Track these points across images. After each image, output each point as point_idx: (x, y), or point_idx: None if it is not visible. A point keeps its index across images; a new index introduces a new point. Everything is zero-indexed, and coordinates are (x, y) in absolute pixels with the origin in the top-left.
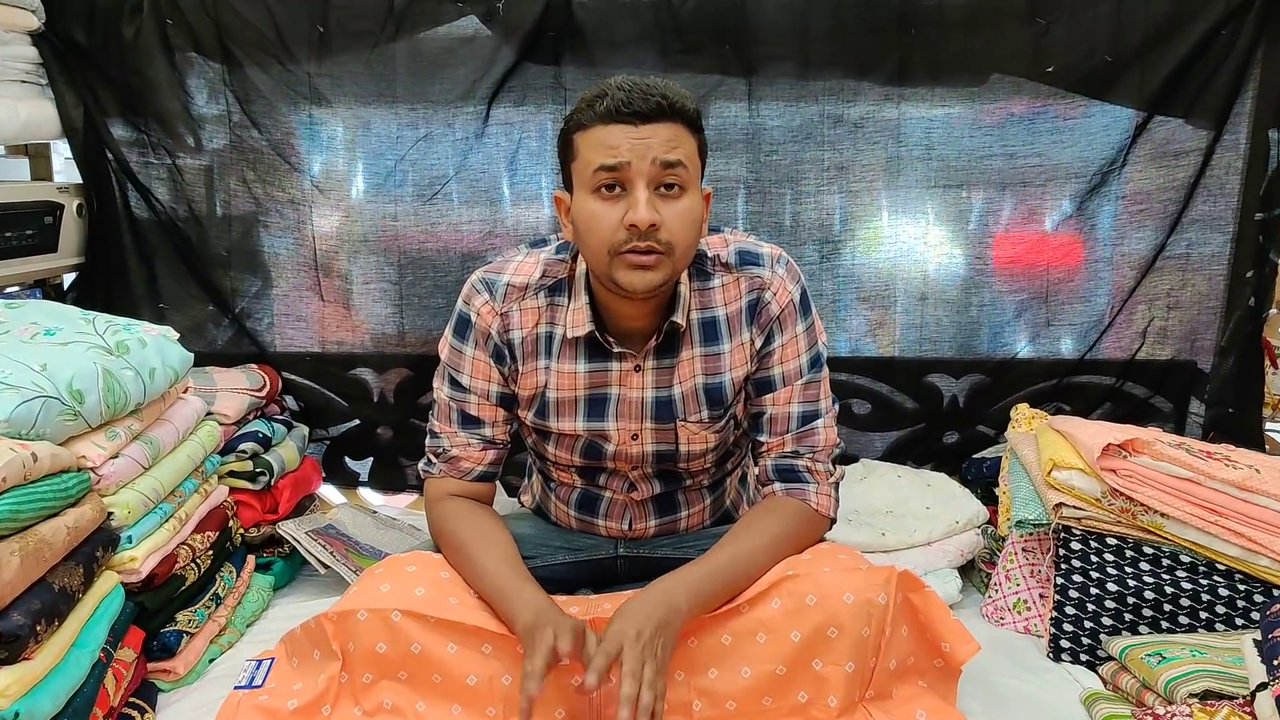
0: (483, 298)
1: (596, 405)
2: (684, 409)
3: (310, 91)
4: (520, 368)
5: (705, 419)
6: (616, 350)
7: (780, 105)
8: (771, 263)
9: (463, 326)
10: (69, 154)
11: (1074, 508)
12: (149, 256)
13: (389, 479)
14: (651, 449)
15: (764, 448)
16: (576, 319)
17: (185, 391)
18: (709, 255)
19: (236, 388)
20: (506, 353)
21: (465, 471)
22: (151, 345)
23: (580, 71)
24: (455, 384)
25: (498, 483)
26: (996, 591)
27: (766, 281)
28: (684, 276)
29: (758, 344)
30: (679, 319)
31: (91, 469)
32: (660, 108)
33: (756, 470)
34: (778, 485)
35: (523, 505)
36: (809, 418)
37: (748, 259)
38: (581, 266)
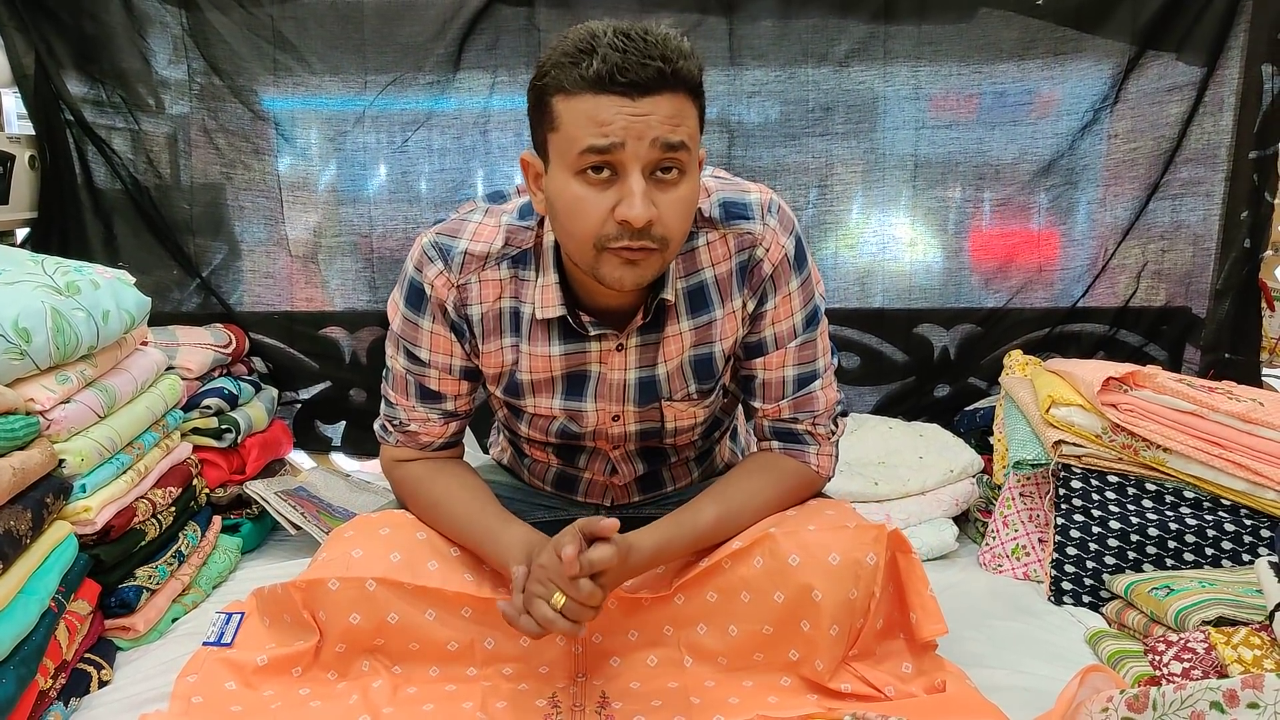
0: (436, 267)
1: (574, 384)
2: (669, 388)
3: (274, 36)
4: (481, 345)
5: (693, 394)
6: (595, 333)
7: (762, 45)
8: (762, 213)
9: (416, 298)
10: (23, 110)
11: (1074, 445)
12: (107, 214)
13: (363, 443)
14: (635, 428)
15: (759, 413)
16: (545, 298)
17: (144, 344)
18: None
19: (200, 343)
20: (465, 328)
21: (425, 444)
22: (105, 287)
23: (555, 13)
24: (412, 357)
25: (469, 433)
26: (994, 538)
27: (758, 236)
28: None
29: (750, 307)
30: (668, 295)
31: (40, 413)
32: (661, 76)
33: (753, 429)
34: (776, 444)
35: (493, 457)
36: (805, 380)
37: (735, 212)
38: (550, 237)
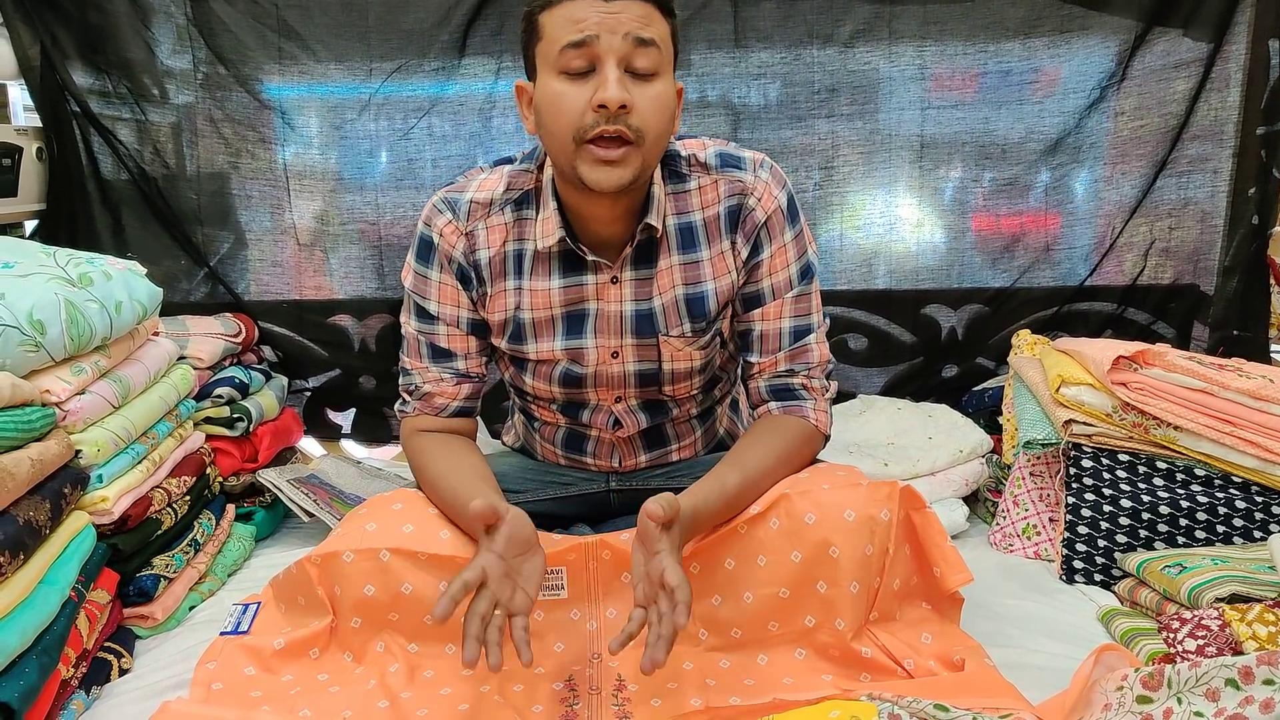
0: (445, 217)
1: (574, 322)
2: (665, 322)
3: (279, 24)
4: (489, 290)
5: (688, 333)
6: (591, 259)
7: (767, 27)
8: (754, 167)
9: (425, 250)
10: (29, 102)
11: (1084, 424)
12: (115, 204)
13: (373, 430)
14: (633, 368)
15: (756, 368)
16: (546, 228)
17: (156, 334)
18: (683, 155)
19: (210, 332)
20: (473, 274)
21: (440, 408)
22: (118, 278)
23: None
24: (423, 314)
25: (479, 421)
26: (1004, 518)
27: (749, 186)
28: (658, 178)
29: (743, 254)
30: (654, 221)
31: (56, 404)
32: None
33: (749, 392)
34: (774, 405)
35: (506, 444)
36: (801, 333)
37: (729, 161)
38: (548, 174)
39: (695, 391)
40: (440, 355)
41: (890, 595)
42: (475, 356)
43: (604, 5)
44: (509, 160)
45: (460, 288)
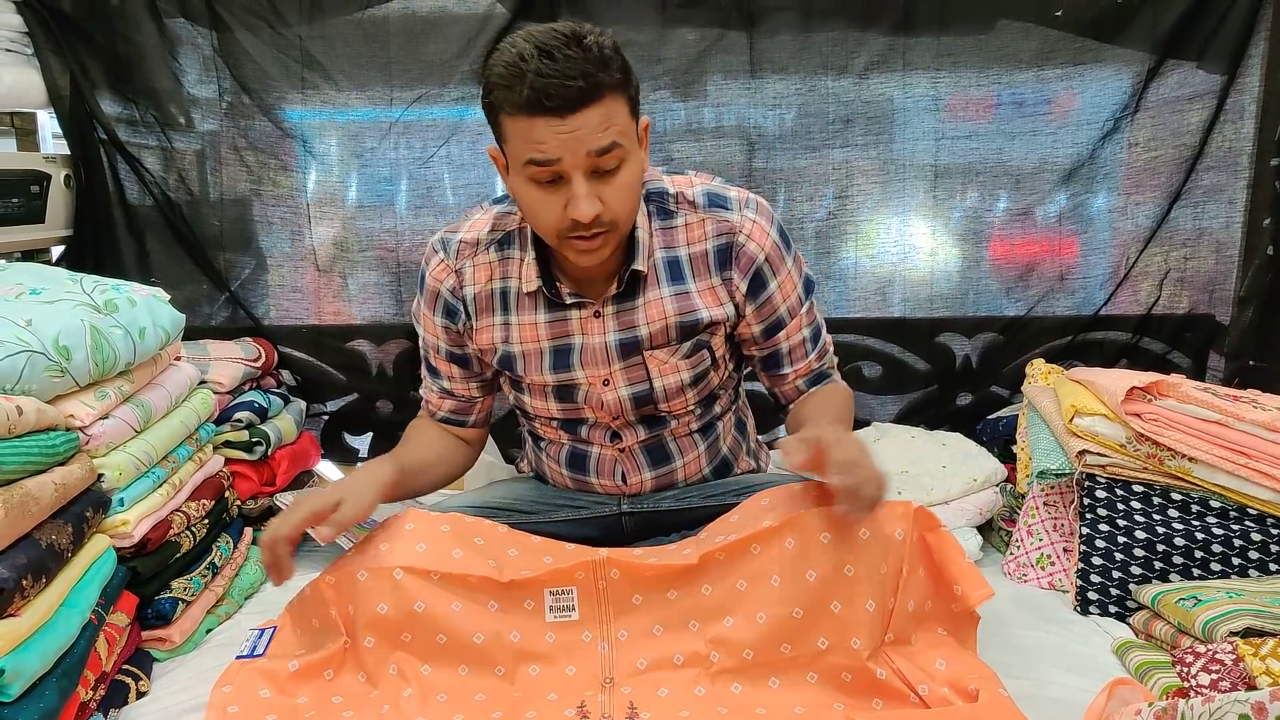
0: (438, 257)
1: (561, 355)
2: (650, 342)
3: (302, 55)
4: (475, 324)
5: (673, 342)
6: (571, 302)
7: (782, 58)
8: (740, 206)
9: (421, 285)
10: (57, 130)
11: (1098, 454)
12: (140, 230)
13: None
14: (626, 393)
15: (792, 374)
16: (528, 274)
17: (178, 359)
18: (671, 193)
19: (231, 357)
20: (460, 309)
21: (430, 412)
22: (141, 305)
23: None
24: (421, 337)
25: (492, 442)
26: (1018, 548)
27: (737, 226)
28: (643, 220)
29: (742, 289)
30: (640, 267)
31: (80, 428)
32: (583, 93)
33: (783, 394)
34: (808, 389)
35: (521, 471)
36: (817, 334)
37: (716, 201)
38: None
39: (692, 406)
40: (432, 371)
41: (905, 617)
42: (458, 380)
43: (561, 124)
44: (507, 198)
45: (439, 325)
